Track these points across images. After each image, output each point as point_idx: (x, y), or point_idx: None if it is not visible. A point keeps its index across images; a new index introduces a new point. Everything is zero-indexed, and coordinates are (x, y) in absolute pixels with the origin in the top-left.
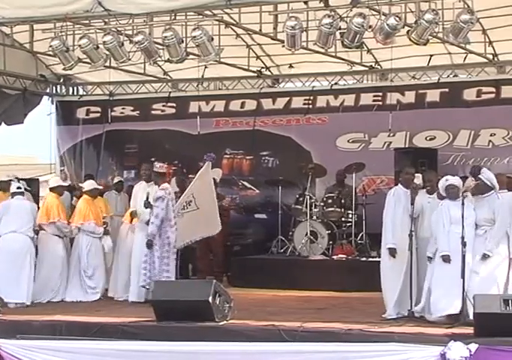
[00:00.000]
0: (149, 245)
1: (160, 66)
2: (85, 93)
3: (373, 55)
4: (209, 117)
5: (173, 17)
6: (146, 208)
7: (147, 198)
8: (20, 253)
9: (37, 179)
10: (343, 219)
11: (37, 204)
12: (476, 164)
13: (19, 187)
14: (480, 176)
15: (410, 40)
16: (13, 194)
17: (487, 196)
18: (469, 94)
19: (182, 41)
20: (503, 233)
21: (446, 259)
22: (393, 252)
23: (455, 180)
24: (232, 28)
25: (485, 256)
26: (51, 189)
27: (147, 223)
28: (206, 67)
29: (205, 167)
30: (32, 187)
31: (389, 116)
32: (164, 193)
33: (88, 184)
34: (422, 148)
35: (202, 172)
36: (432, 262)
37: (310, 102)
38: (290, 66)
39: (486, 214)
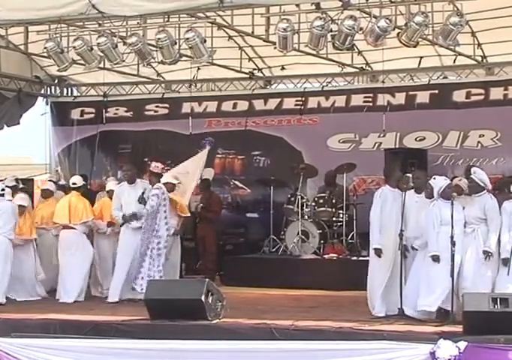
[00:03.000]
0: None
1: (153, 67)
2: (79, 94)
3: (364, 57)
4: (201, 117)
5: (166, 19)
6: (140, 203)
7: (143, 193)
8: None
9: (32, 179)
10: (334, 219)
11: (32, 204)
12: (469, 164)
13: (2, 190)
14: (471, 176)
15: (400, 42)
16: None
17: (479, 196)
18: (458, 96)
19: (175, 43)
20: (497, 233)
21: (436, 259)
22: (378, 252)
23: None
24: (224, 30)
25: (486, 254)
26: (74, 189)
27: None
28: (198, 69)
29: (203, 151)
30: (27, 187)
31: (380, 117)
32: (158, 192)
33: (111, 185)
34: (412, 148)
35: (199, 155)
36: (419, 257)
37: (302, 103)
38: (282, 68)
39: (476, 213)
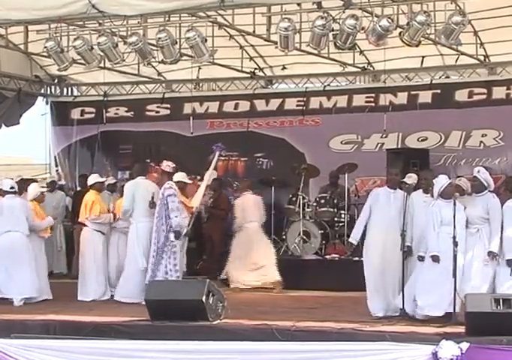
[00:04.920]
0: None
1: (154, 67)
2: (79, 94)
3: (365, 57)
4: (203, 118)
5: (166, 19)
6: (151, 208)
7: (152, 198)
8: (19, 250)
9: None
10: (336, 219)
11: None
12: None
13: (12, 187)
14: (476, 175)
15: (402, 41)
16: (6, 193)
17: (481, 196)
18: (461, 95)
19: (176, 42)
20: (499, 233)
21: (435, 259)
22: (348, 245)
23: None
24: (225, 30)
25: (492, 255)
26: (90, 186)
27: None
28: (199, 68)
29: (215, 158)
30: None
31: (382, 117)
32: (173, 191)
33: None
34: (414, 148)
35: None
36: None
37: (303, 103)
38: (284, 67)
39: (480, 213)
